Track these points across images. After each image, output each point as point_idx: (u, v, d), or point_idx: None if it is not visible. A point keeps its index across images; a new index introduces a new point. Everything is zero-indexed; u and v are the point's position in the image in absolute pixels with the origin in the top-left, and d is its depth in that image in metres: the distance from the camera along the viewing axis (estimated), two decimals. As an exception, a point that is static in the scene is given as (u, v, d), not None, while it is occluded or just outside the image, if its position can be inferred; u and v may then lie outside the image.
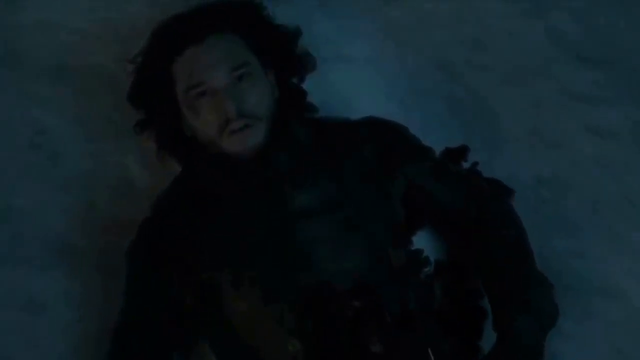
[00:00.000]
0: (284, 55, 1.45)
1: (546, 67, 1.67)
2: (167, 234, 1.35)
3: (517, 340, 1.27)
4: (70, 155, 1.56)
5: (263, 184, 1.33)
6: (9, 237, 1.49)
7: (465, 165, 1.51)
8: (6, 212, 1.51)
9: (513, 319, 1.28)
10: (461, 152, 1.51)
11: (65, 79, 1.61)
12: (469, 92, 1.65)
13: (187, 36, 1.36)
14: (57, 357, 1.41)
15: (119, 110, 1.52)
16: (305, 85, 1.46)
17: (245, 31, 1.40)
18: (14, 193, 1.52)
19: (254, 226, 1.31)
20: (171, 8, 1.41)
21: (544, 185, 1.58)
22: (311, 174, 1.35)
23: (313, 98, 1.45)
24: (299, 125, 1.41)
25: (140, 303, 1.35)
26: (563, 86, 1.65)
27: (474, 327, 1.39)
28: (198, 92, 1.34)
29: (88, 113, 1.60)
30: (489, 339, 1.33)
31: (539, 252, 1.39)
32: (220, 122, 1.32)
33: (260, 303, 1.27)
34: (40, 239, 1.51)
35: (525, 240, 1.39)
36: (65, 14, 1.63)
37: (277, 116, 1.37)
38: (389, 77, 1.66)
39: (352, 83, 1.63)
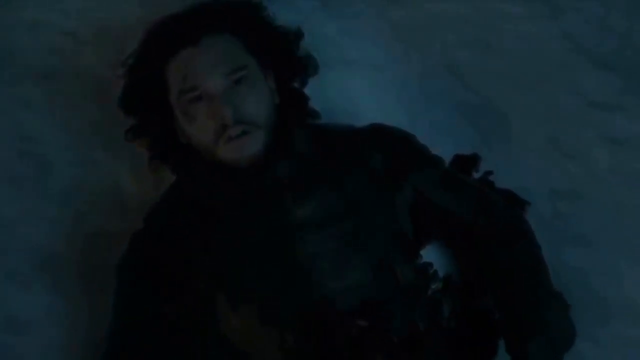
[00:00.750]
0: (285, 58, 1.40)
1: (561, 72, 1.64)
2: (159, 248, 1.31)
3: (531, 364, 1.22)
4: (58, 163, 1.53)
5: (261, 195, 1.30)
6: (-10, 250, 1.45)
7: (477, 175, 1.49)
8: (-13, 222, 1.47)
9: (526, 341, 1.24)
10: (472, 161, 1.48)
11: (54, 82, 1.58)
12: (480, 98, 1.62)
13: (181, 37, 1.31)
14: (42, 380, 1.37)
15: (109, 116, 1.47)
16: (306, 90, 1.42)
17: (243, 32, 1.35)
18: (-4, 202, 1.48)
19: (252, 240, 1.28)
20: (166, 9, 1.37)
21: (559, 197, 1.55)
22: (312, 185, 1.31)
23: (315, 104, 1.41)
24: (300, 132, 1.37)
25: (131, 321, 1.31)
26: (579, 93, 1.62)
27: (486, 348, 1.36)
28: (193, 97, 1.30)
29: (77, 119, 1.57)
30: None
31: (554, 268, 1.36)
32: (216, 129, 1.28)
33: (258, 322, 1.24)
34: (24, 252, 1.48)
35: (539, 256, 1.36)
36: (54, 14, 1.60)
37: (277, 123, 1.33)
38: (395, 81, 1.63)
39: (356, 88, 1.60)
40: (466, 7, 1.67)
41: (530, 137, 1.59)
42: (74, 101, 1.57)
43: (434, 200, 1.37)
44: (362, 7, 1.66)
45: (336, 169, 1.33)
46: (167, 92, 1.34)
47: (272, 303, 1.24)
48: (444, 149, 1.47)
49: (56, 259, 1.47)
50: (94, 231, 1.49)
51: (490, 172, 1.49)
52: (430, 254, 1.40)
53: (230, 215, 1.30)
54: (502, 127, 1.60)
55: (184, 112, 1.31)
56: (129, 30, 1.43)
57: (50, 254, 1.47)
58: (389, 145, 1.38)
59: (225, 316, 1.26)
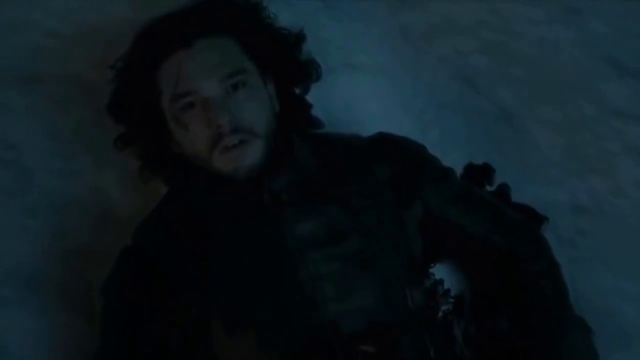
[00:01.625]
0: (286, 63, 1.38)
1: (581, 79, 1.61)
2: (149, 267, 1.29)
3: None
4: (39, 173, 1.49)
5: (259, 210, 1.26)
6: (-35, 268, 1.42)
7: (490, 188, 1.48)
8: (-37, 237, 1.45)
9: (545, 371, 1.21)
10: (485, 172, 1.47)
11: (37, 86, 1.54)
12: (496, 106, 1.59)
13: (174, 39, 1.27)
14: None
15: (97, 123, 1.45)
16: (309, 97, 1.40)
17: (241, 34, 1.31)
18: (-27, 215, 1.46)
19: (249, 259, 1.24)
20: (158, 9, 1.33)
21: (580, 212, 1.52)
22: (315, 200, 1.27)
23: (318, 112, 1.40)
24: (302, 142, 1.34)
25: (119, 345, 1.28)
26: (601, 101, 1.59)
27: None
28: (186, 103, 1.26)
29: (61, 125, 1.53)
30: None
31: (575, 290, 1.33)
32: (211, 138, 1.24)
33: (256, 348, 1.20)
34: (3, 269, 1.44)
35: (559, 277, 1.33)
36: (38, 13, 1.56)
37: (276, 132, 1.30)
38: (404, 88, 1.61)
39: (363, 95, 1.59)
40: (481, 10, 1.65)
41: (549, 148, 1.57)
42: (58, 107, 1.54)
43: (445, 217, 1.34)
44: (369, 9, 1.64)
45: (340, 182, 1.30)
46: (158, 98, 1.31)
47: (271, 328, 1.20)
48: (456, 160, 1.46)
49: (37, 277, 1.44)
50: (78, 248, 1.46)
51: (505, 186, 1.46)
52: (441, 270, 1.39)
53: (225, 232, 1.27)
54: (519, 137, 1.58)
55: (177, 119, 1.28)
56: (118, 32, 1.39)
57: (30, 272, 1.44)
58: (398, 157, 1.35)
59: (219, 341, 1.22)
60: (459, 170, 1.45)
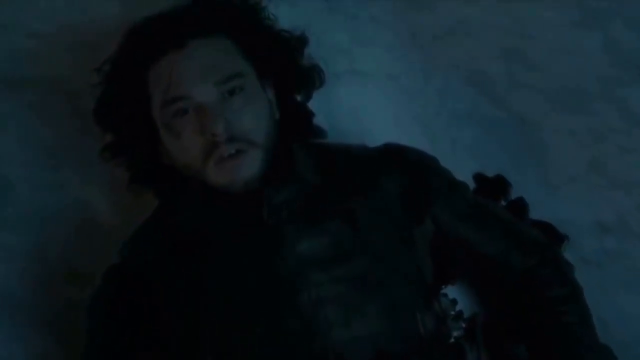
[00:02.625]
0: (287, 67, 1.34)
1: (604, 87, 1.60)
2: (137, 287, 1.25)
3: None
4: (21, 186, 1.47)
5: (257, 226, 1.22)
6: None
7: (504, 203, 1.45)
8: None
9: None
10: (500, 186, 1.44)
11: (18, 91, 1.52)
12: (512, 116, 1.58)
13: (166, 38, 1.24)
14: None
15: (82, 131, 1.44)
16: (311, 105, 1.37)
17: (239, 35, 1.28)
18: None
19: (245, 281, 1.20)
20: (151, 9, 1.30)
21: (605, 231, 1.50)
22: (317, 216, 1.23)
23: (321, 120, 1.37)
24: (304, 153, 1.31)
25: None
26: (626, 111, 1.57)
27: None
28: (178, 109, 1.22)
29: (44, 133, 1.50)
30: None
31: (600, 315, 1.30)
32: (205, 147, 1.21)
33: None
34: None
35: (581, 301, 1.30)
36: (20, 13, 1.55)
37: (276, 141, 1.26)
38: (413, 96, 1.59)
39: (369, 103, 1.57)
40: (497, 13, 1.64)
41: (570, 162, 1.55)
42: (40, 113, 1.51)
43: (458, 234, 1.31)
44: (376, 11, 1.62)
45: (345, 197, 1.26)
46: (148, 104, 1.27)
47: (267, 357, 1.17)
48: (468, 173, 1.45)
49: (12, 299, 1.42)
50: (59, 266, 1.44)
51: (522, 201, 1.43)
52: (451, 291, 1.36)
53: (219, 250, 1.23)
54: (537, 149, 1.56)
55: (168, 127, 1.24)
56: (107, 33, 1.37)
57: (6, 293, 1.42)
58: (407, 170, 1.31)
59: (210, 368, 1.19)
60: (471, 184, 1.43)
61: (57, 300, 1.40)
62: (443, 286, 1.35)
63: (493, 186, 1.45)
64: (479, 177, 1.46)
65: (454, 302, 1.32)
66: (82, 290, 1.32)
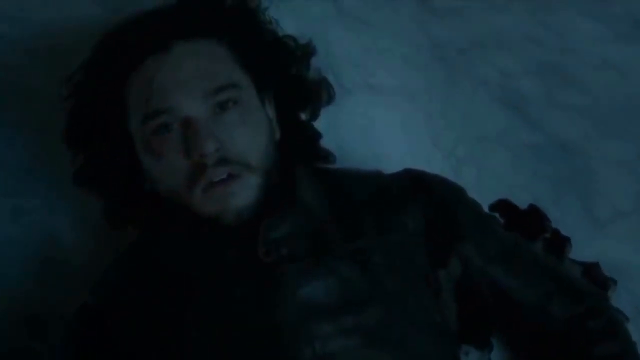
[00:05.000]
0: (290, 80, 1.28)
1: None
2: (109, 333, 1.18)
3: None
4: None
5: (251, 266, 1.14)
6: None
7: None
8: None
9: None
10: (534, 219, 1.37)
11: None
12: (550, 140, 1.53)
13: (145, 41, 1.17)
14: None
15: (50, 152, 1.35)
16: (318, 124, 1.31)
17: (233, 38, 1.21)
18: None
19: (236, 332, 1.12)
20: (136, 9, 1.22)
21: None
22: (324, 255, 1.15)
23: (328, 142, 1.31)
24: (308, 180, 1.23)
25: None
26: None
27: None
28: (160, 125, 1.15)
29: (6, 155, 1.42)
30: None
31: None
32: (191, 170, 1.14)
33: None
34: None
35: (635, 357, 1.22)
36: None
37: (276, 165, 1.20)
38: (434, 116, 1.54)
39: (384, 123, 1.52)
40: (532, 23, 1.60)
41: (618, 194, 1.51)
42: (1, 130, 1.43)
43: (489, 279, 1.24)
44: (393, 19, 1.57)
45: (357, 232, 1.19)
46: (127, 119, 1.20)
47: None
48: None
49: None
50: (19, 307, 1.35)
51: (562, 237, 1.36)
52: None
53: (206, 294, 1.15)
54: (580, 180, 1.51)
55: (148, 145, 1.17)
56: (82, 37, 1.28)
57: None
58: (430, 202, 1.24)
59: None
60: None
61: (16, 346, 1.33)
62: (470, 340, 1.26)
63: (525, 219, 1.37)
64: (505, 206, 1.39)
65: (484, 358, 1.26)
66: (46, 334, 1.30)
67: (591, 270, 1.34)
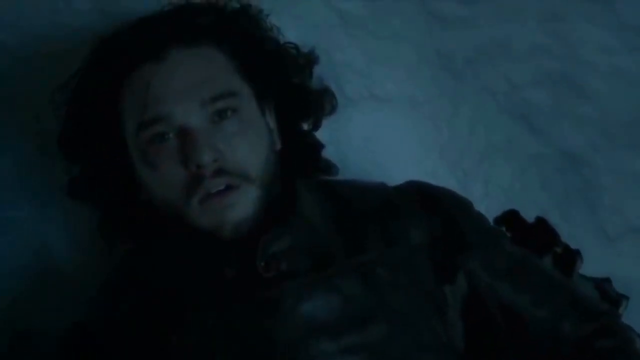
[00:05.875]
0: (292, 89, 1.27)
1: None
2: (103, 352, 1.15)
3: None
4: None
5: (250, 282, 1.11)
6: None
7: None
8: None
9: None
10: (546, 234, 1.34)
11: None
12: (558, 152, 1.53)
13: (141, 47, 1.15)
14: None
15: (41, 162, 1.36)
16: (320, 134, 1.29)
17: (233, 46, 1.19)
18: None
19: (235, 349, 1.10)
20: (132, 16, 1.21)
21: None
22: (326, 270, 1.13)
23: (331, 153, 1.30)
24: (309, 192, 1.22)
25: None
26: None
27: None
28: (155, 134, 1.13)
29: None
30: None
31: None
32: (187, 181, 1.12)
33: None
34: None
35: None
36: None
37: (276, 177, 1.18)
38: (439, 126, 1.53)
39: (388, 134, 1.51)
40: (542, 33, 1.58)
41: (629, 209, 1.51)
42: None
43: (496, 295, 1.21)
44: (399, 27, 1.55)
45: (360, 247, 1.17)
46: (121, 128, 1.19)
47: None
48: None
49: None
50: (11, 321, 1.34)
51: (572, 252, 1.31)
52: None
53: (202, 310, 1.12)
54: (590, 193, 1.52)
55: (144, 155, 1.15)
56: (76, 45, 1.31)
57: None
58: (436, 215, 1.22)
59: None
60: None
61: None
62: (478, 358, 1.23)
63: (532, 232, 1.35)
64: (511, 218, 1.36)
65: (492, 379, 1.21)
66: (35, 353, 1.28)
67: (603, 286, 1.30)
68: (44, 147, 1.30)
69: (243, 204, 1.12)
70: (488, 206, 1.34)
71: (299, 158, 1.25)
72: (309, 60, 1.28)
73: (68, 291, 1.32)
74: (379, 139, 1.50)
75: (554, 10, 1.60)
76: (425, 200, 1.23)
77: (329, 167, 1.28)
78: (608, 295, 1.29)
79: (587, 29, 1.60)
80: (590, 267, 1.31)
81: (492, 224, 1.31)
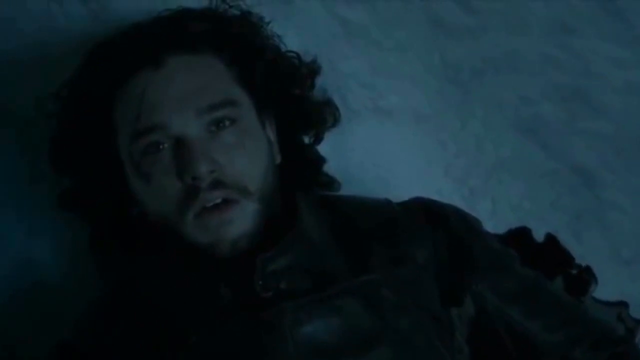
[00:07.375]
0: (293, 100, 1.24)
1: None
2: None
3: None
4: None
5: (247, 301, 1.08)
6: None
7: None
8: None
9: None
10: (557, 254, 1.32)
11: None
12: (570, 169, 1.51)
13: (136, 54, 1.13)
14: None
15: (30, 174, 1.31)
16: (322, 148, 1.28)
17: (231, 52, 1.17)
18: None
19: None
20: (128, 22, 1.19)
21: None
22: (327, 290, 1.10)
23: (333, 167, 1.27)
24: (310, 208, 1.19)
25: None
26: None
27: None
28: (150, 143, 1.11)
29: None
30: None
31: None
32: (182, 194, 1.10)
33: None
34: None
35: None
36: None
37: (276, 192, 1.16)
38: (446, 141, 1.52)
39: (392, 148, 1.50)
40: (553, 46, 1.57)
41: None
42: None
43: (505, 319, 1.19)
44: (404, 38, 1.53)
45: (363, 266, 1.14)
46: (115, 138, 1.16)
47: None
48: None
49: None
50: None
51: (585, 273, 1.31)
52: None
53: (197, 330, 1.09)
54: (603, 213, 1.50)
55: (137, 166, 1.13)
56: (69, 52, 1.26)
57: None
58: (442, 233, 1.20)
59: None
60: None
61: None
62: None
63: (542, 252, 1.33)
64: (520, 237, 1.35)
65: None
66: None
67: (618, 311, 1.30)
68: (33, 157, 1.27)
69: (241, 220, 1.09)
70: (495, 225, 1.33)
71: (299, 172, 1.23)
72: (311, 70, 1.26)
73: (53, 306, 1.28)
74: (383, 153, 1.49)
75: (564, 21, 1.59)
76: (431, 218, 1.21)
77: (330, 182, 1.26)
78: (624, 320, 1.29)
79: (599, 42, 1.60)
80: (604, 290, 1.29)
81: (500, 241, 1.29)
